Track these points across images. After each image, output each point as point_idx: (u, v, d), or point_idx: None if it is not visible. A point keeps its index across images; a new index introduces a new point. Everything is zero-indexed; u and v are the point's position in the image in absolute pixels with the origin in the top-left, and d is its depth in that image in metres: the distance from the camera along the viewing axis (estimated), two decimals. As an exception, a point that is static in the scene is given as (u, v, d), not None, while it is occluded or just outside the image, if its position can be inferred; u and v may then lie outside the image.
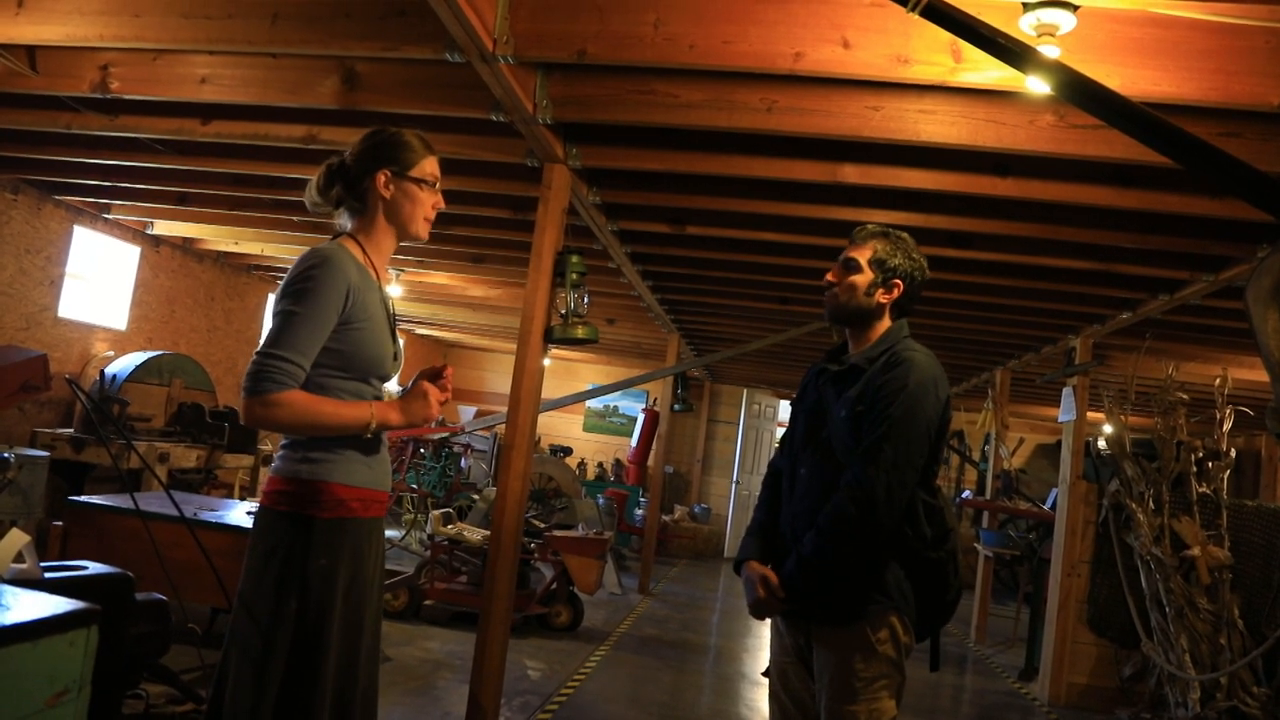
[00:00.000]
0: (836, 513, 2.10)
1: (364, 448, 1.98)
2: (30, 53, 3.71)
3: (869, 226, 2.39)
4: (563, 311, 3.72)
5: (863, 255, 2.32)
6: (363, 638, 1.96)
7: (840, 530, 2.09)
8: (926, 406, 2.15)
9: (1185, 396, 5.21)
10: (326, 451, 1.92)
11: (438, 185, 2.14)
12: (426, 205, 2.12)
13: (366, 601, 1.98)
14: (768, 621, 2.39)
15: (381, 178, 2.06)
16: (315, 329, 1.88)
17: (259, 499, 1.99)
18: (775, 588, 2.19)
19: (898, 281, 2.31)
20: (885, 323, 2.34)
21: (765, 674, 2.44)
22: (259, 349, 1.88)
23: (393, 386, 2.10)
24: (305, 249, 2.02)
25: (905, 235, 2.37)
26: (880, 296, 2.31)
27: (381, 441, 2.05)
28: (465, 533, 6.19)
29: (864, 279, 2.31)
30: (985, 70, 2.69)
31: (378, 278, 2.07)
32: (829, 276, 2.37)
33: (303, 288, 1.89)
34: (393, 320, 2.12)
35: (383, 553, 2.11)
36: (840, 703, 2.14)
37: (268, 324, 2.02)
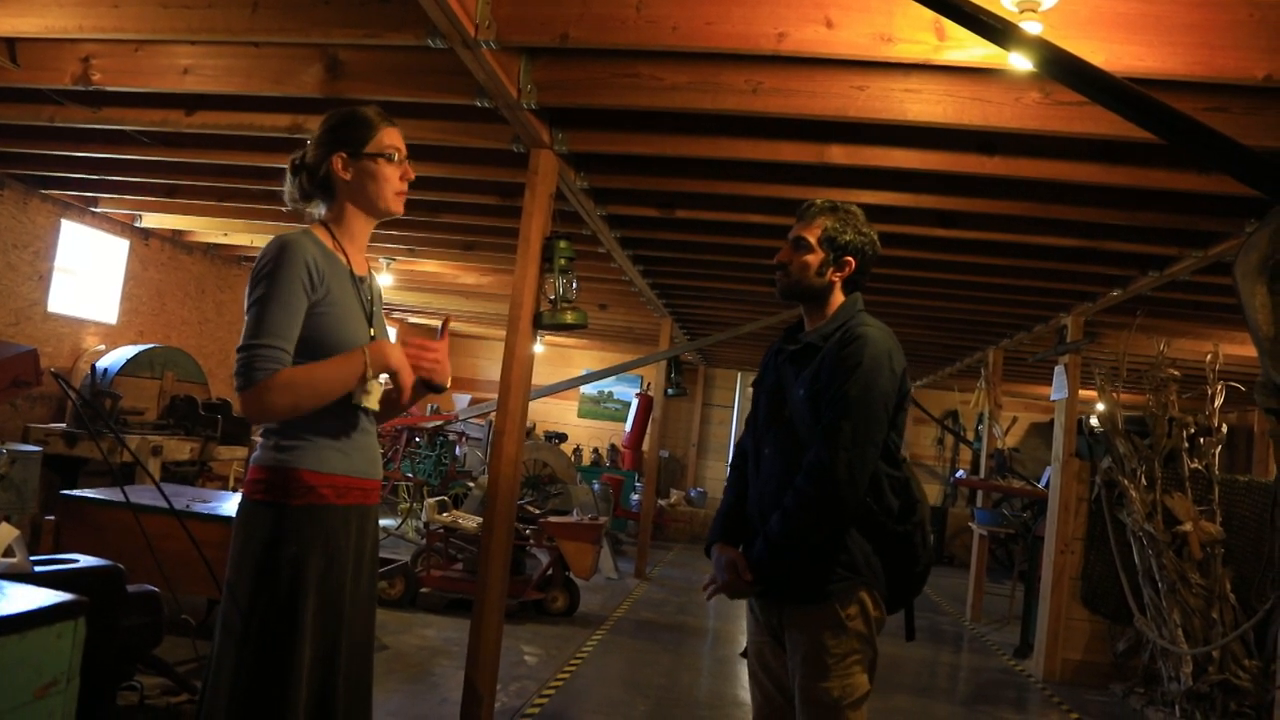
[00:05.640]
0: (799, 494, 2.11)
1: (337, 433, 1.94)
2: (10, 45, 3.68)
3: (817, 202, 2.34)
4: (552, 297, 3.71)
5: (812, 234, 2.30)
6: (343, 626, 1.94)
7: (804, 511, 2.10)
8: (882, 381, 2.15)
9: (1176, 373, 5.22)
10: (297, 438, 1.90)
11: (399, 156, 2.06)
12: (393, 179, 2.05)
13: (347, 590, 1.94)
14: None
15: (338, 162, 2.01)
16: (286, 310, 1.86)
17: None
18: (743, 569, 2.19)
19: (849, 259, 2.29)
20: (839, 298, 2.33)
21: (744, 655, 2.45)
22: (238, 346, 1.84)
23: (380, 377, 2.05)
24: None
25: (855, 209, 2.34)
26: (831, 275, 2.30)
27: (359, 428, 2.00)
28: (460, 520, 6.21)
29: (815, 258, 2.29)
30: (969, 48, 2.68)
31: (349, 262, 2.03)
32: (779, 256, 2.35)
33: (263, 276, 1.87)
34: (369, 306, 2.07)
35: (374, 541, 2.09)
36: (813, 680, 2.15)
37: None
